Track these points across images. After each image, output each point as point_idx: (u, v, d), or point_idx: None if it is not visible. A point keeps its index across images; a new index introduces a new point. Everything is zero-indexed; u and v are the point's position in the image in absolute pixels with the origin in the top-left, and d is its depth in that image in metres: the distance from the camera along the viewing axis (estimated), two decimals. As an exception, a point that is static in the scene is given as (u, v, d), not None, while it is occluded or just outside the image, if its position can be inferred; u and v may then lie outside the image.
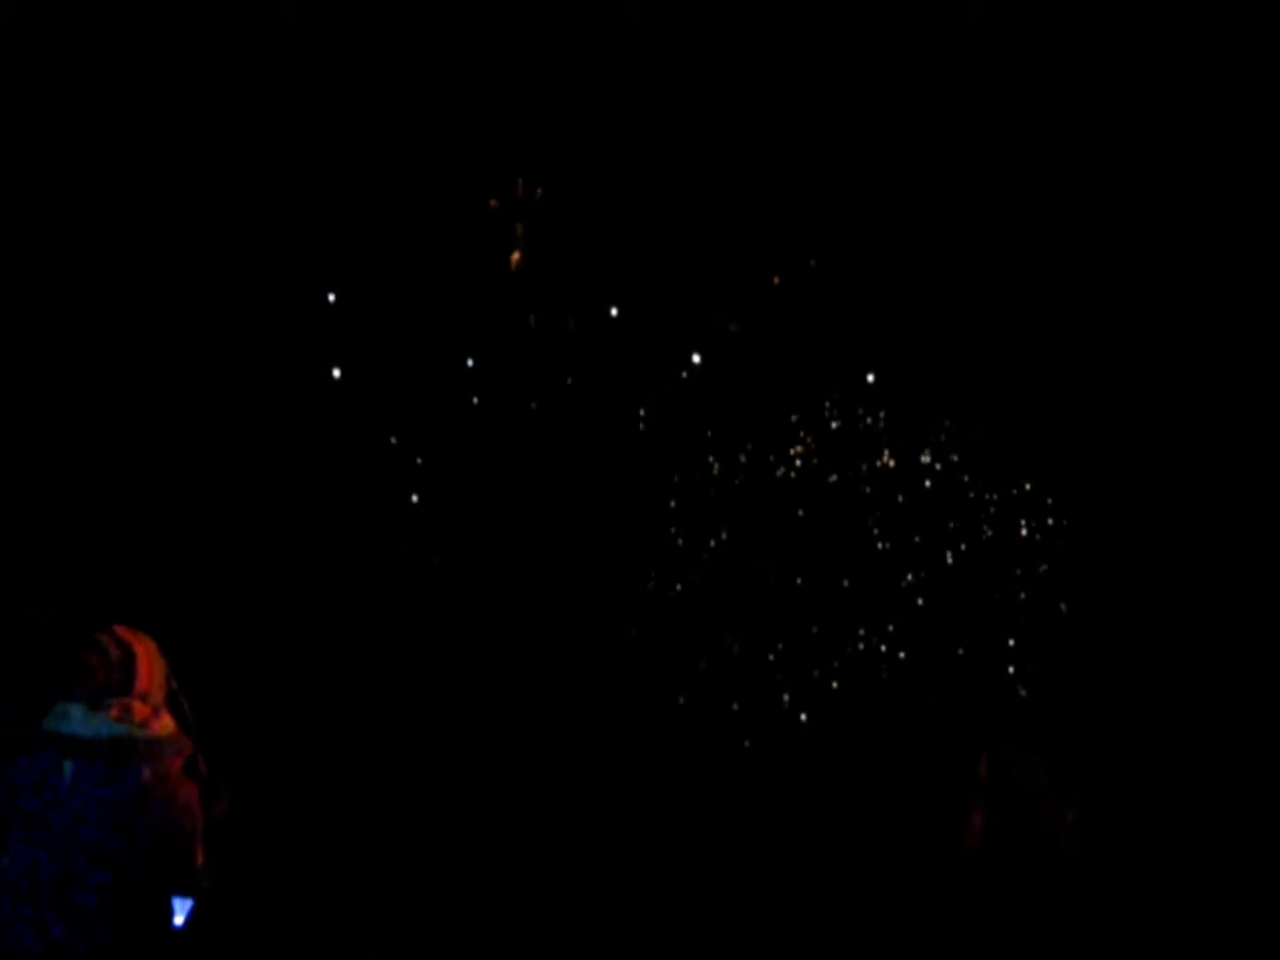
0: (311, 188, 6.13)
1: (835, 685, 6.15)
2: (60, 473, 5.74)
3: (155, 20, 5.97)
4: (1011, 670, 6.18)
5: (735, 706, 6.07)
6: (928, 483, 6.39)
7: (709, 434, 6.33)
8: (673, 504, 6.29)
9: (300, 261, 6.13)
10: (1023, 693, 6.12)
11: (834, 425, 6.42)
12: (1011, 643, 6.22)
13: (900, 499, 6.34)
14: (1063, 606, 6.24)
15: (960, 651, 6.20)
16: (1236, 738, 5.81)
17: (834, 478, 6.37)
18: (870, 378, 6.40)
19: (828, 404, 6.42)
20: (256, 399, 6.01)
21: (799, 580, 6.26)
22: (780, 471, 6.36)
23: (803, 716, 6.09)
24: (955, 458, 6.41)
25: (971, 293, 6.43)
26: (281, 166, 6.14)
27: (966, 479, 6.40)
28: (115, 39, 5.97)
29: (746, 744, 6.02)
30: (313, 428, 6.06)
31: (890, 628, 6.21)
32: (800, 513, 6.34)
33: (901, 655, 6.18)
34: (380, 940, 4.96)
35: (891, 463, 6.36)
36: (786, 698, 6.10)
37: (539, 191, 6.18)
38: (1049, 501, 6.36)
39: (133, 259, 6.00)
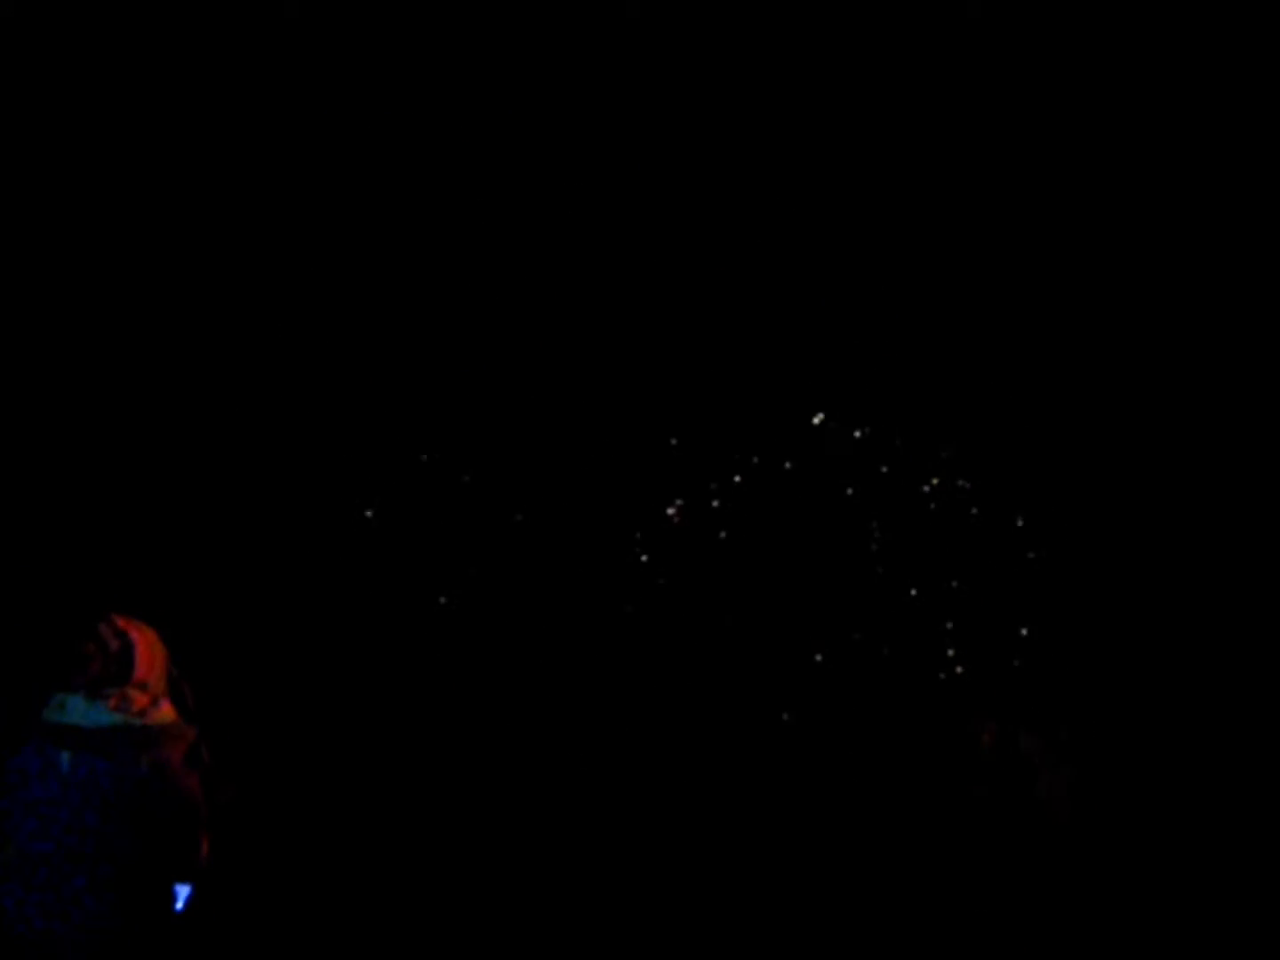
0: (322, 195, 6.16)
1: (840, 664, 6.16)
2: (59, 465, 5.77)
3: (155, 20, 5.98)
4: (1012, 647, 6.19)
5: (739, 688, 6.09)
6: (927, 478, 6.39)
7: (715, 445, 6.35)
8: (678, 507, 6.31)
9: (310, 264, 6.14)
10: (1023, 669, 6.12)
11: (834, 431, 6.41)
12: (1011, 621, 6.23)
13: (902, 493, 6.34)
14: (1060, 587, 6.24)
15: (963, 630, 6.21)
16: (1229, 715, 5.81)
17: (837, 479, 6.36)
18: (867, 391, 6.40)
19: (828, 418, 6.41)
20: (253, 391, 6.04)
21: (805, 570, 6.27)
22: (782, 472, 6.36)
23: (808, 695, 6.11)
24: (949, 454, 6.39)
25: (976, 306, 6.41)
26: (291, 172, 6.17)
27: (964, 474, 6.40)
28: (115, 39, 5.98)
29: (750, 723, 6.03)
30: (315, 424, 6.08)
31: (895, 610, 6.22)
32: (805, 508, 6.34)
33: (906, 635, 6.19)
34: (378, 929, 4.99)
35: (888, 463, 6.36)
36: (792, 679, 6.12)
37: None
38: (1044, 493, 6.36)
39: (134, 259, 6.02)
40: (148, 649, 3.96)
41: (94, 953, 3.74)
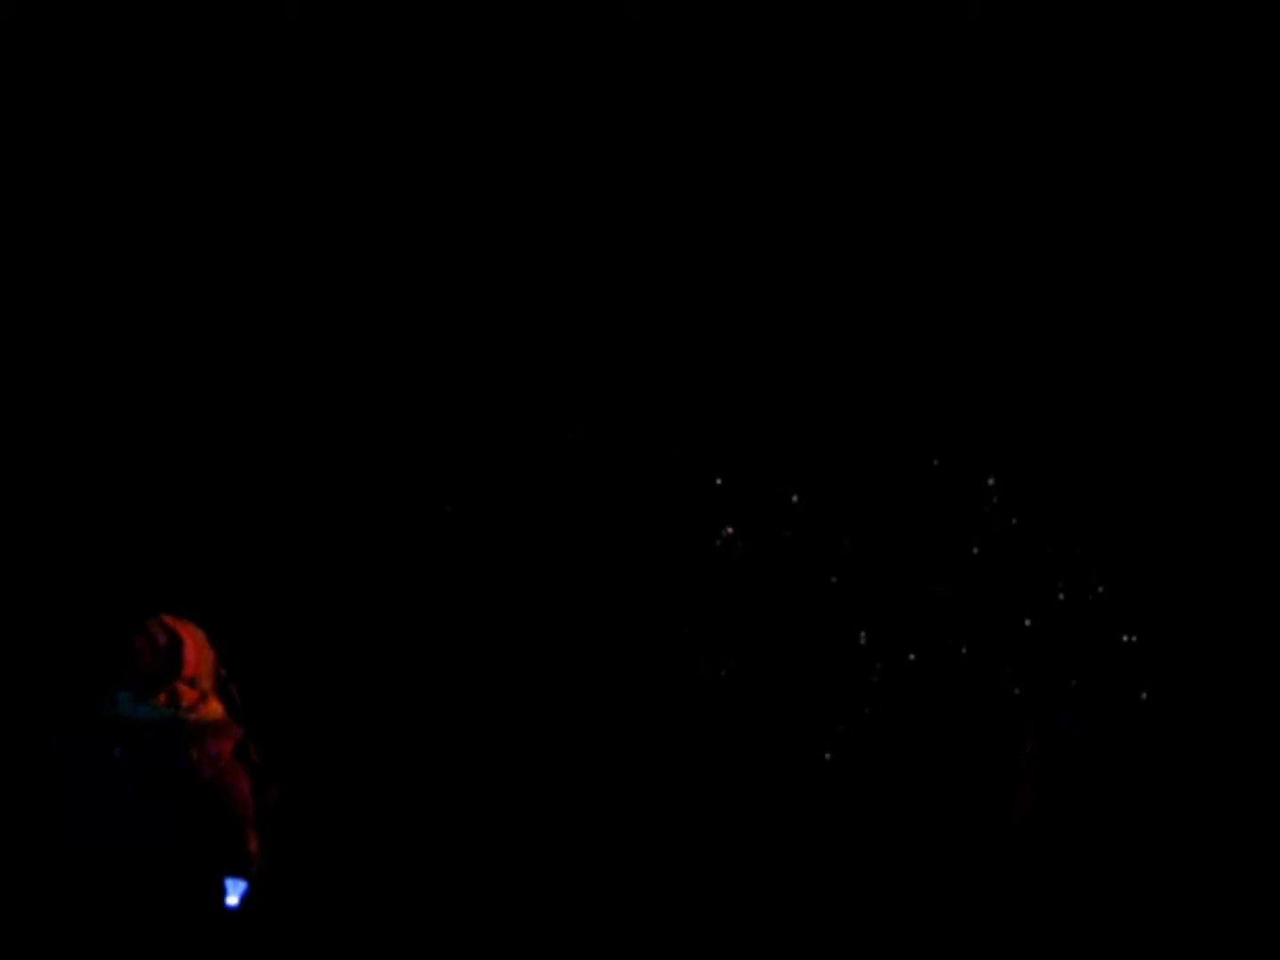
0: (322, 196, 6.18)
1: (884, 662, 6.15)
2: (111, 465, 5.82)
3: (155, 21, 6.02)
4: (1060, 645, 6.16)
5: (784, 684, 6.08)
6: (978, 482, 6.36)
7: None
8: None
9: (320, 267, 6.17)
10: (1069, 668, 6.10)
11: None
12: (1059, 620, 6.20)
13: (950, 498, 6.33)
14: (1107, 587, 6.21)
15: (1010, 628, 6.19)
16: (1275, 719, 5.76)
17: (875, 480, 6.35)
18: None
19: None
20: (307, 400, 6.07)
21: (843, 567, 6.27)
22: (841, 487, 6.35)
23: (850, 695, 6.10)
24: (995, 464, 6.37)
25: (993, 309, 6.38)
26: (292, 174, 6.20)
27: (1008, 473, 6.37)
28: (115, 39, 6.03)
29: (791, 720, 6.03)
30: (370, 435, 6.10)
31: (941, 607, 6.21)
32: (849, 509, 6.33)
33: (951, 632, 6.17)
34: (420, 927, 4.99)
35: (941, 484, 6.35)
36: (833, 676, 6.11)
37: None
38: (1090, 490, 6.32)
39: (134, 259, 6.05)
40: (196, 647, 4.00)
41: (146, 945, 3.77)
